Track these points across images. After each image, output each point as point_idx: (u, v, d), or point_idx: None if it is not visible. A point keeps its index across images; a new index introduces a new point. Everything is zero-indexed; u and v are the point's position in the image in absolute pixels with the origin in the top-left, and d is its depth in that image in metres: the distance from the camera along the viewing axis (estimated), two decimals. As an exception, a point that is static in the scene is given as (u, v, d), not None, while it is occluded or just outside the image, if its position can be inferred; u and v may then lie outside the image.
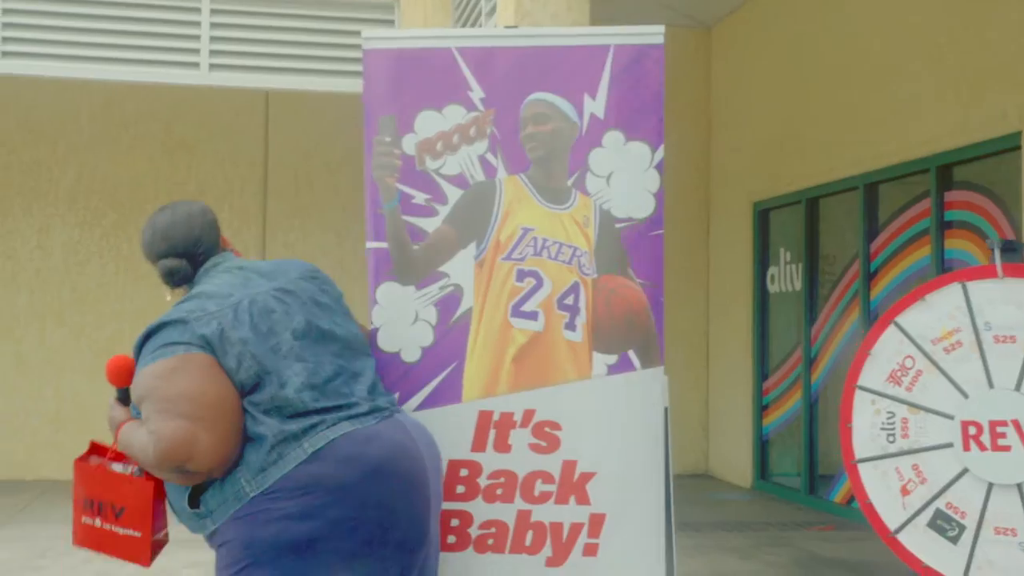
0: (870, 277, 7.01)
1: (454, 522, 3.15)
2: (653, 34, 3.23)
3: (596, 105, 3.19)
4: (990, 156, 6.03)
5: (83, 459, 2.65)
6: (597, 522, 3.07)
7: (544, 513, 3.05)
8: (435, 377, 3.10)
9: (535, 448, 3.06)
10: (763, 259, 8.49)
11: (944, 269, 6.23)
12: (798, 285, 7.92)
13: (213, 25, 7.05)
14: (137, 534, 2.59)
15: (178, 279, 2.76)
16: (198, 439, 2.34)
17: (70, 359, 8.85)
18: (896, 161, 6.71)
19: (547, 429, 3.07)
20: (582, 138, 3.20)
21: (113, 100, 8.90)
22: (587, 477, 3.07)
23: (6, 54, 6.84)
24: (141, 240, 2.81)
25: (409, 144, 3.18)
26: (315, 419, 2.46)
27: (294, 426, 2.44)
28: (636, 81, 3.20)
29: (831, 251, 7.67)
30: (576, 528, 3.07)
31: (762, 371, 8.42)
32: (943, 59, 6.27)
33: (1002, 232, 5.89)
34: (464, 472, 3.14)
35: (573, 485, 3.06)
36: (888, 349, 2.87)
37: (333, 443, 2.43)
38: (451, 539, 3.14)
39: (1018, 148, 5.69)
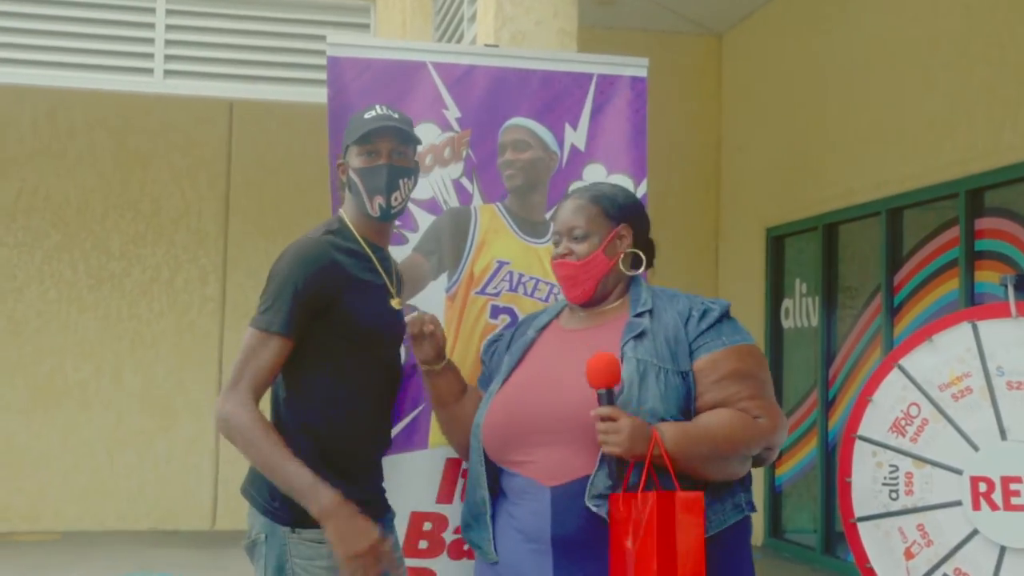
0: (893, 312, 7.10)
1: None
2: (638, 66, 3.38)
3: (577, 136, 3.33)
4: (1024, 180, 6.13)
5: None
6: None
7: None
8: (399, 421, 3.17)
9: (507, 500, 3.12)
10: (777, 291, 8.58)
11: (975, 304, 6.32)
12: (815, 320, 8.00)
13: (169, 28, 7.13)
14: None
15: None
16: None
17: (4, 397, 8.90)
18: (922, 184, 6.81)
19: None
20: (562, 170, 3.33)
21: (58, 108, 9.01)
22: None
23: (-61, 58, 6.94)
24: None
25: None
26: None
27: None
28: (619, 113, 3.35)
29: (851, 283, 7.76)
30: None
31: (775, 415, 8.48)
32: (974, 73, 6.38)
33: (1038, 263, 5.99)
34: (428, 526, 3.22)
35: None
36: (891, 395, 2.94)
37: None
38: None
39: (1054, 172, 5.79)
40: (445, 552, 3.26)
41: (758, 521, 8.58)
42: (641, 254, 2.84)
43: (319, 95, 7.14)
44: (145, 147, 9.19)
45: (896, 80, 7.07)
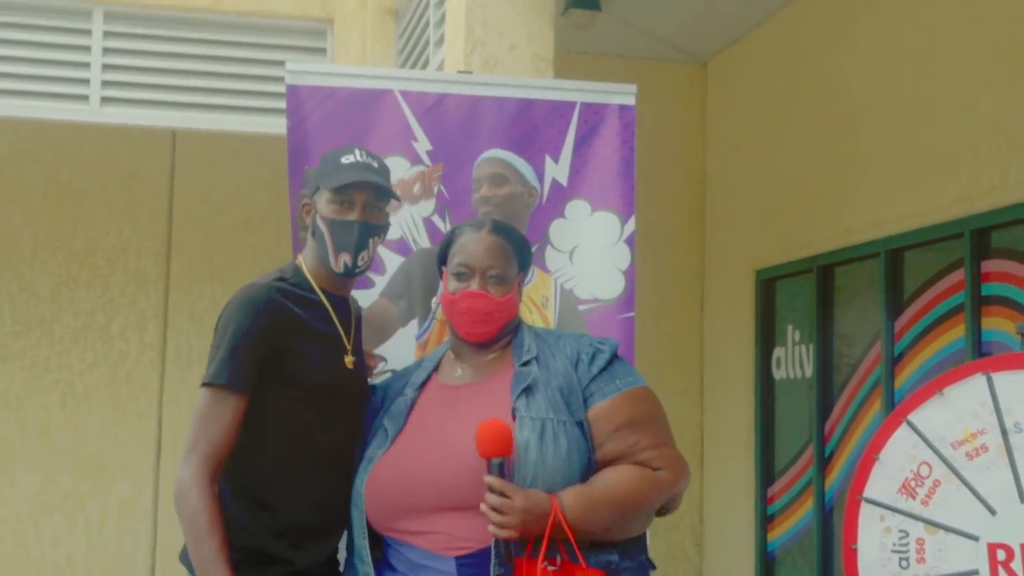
0: (895, 361, 7.13)
1: None
2: (625, 93, 3.42)
3: (559, 170, 3.36)
4: (1034, 219, 6.18)
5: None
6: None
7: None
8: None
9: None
10: (767, 338, 8.61)
11: (982, 354, 6.35)
12: (809, 370, 8.03)
13: (106, 51, 7.14)
14: None
15: None
16: None
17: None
18: (924, 224, 6.86)
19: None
20: (542, 206, 3.36)
21: (-17, 138, 8.95)
22: None
23: None
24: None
25: None
26: None
27: None
28: (605, 145, 3.38)
29: (849, 329, 7.80)
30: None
31: (767, 474, 8.49)
32: (978, 105, 6.45)
33: (1050, 310, 6.03)
34: None
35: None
36: (900, 454, 2.95)
37: None
38: None
39: (1066, 211, 5.85)
40: None
41: (748, 590, 8.57)
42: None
43: (271, 125, 7.23)
44: (79, 181, 9.13)
45: (895, 111, 7.14)
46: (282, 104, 7.25)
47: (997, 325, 6.37)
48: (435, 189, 3.33)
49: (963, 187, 6.54)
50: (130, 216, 9.17)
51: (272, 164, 9.12)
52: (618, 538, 2.65)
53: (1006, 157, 6.25)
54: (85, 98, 7.10)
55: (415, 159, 3.34)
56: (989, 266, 6.48)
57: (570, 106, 3.37)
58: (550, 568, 2.50)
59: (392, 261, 3.31)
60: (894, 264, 7.23)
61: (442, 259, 2.89)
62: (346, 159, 2.88)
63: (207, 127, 7.44)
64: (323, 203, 2.87)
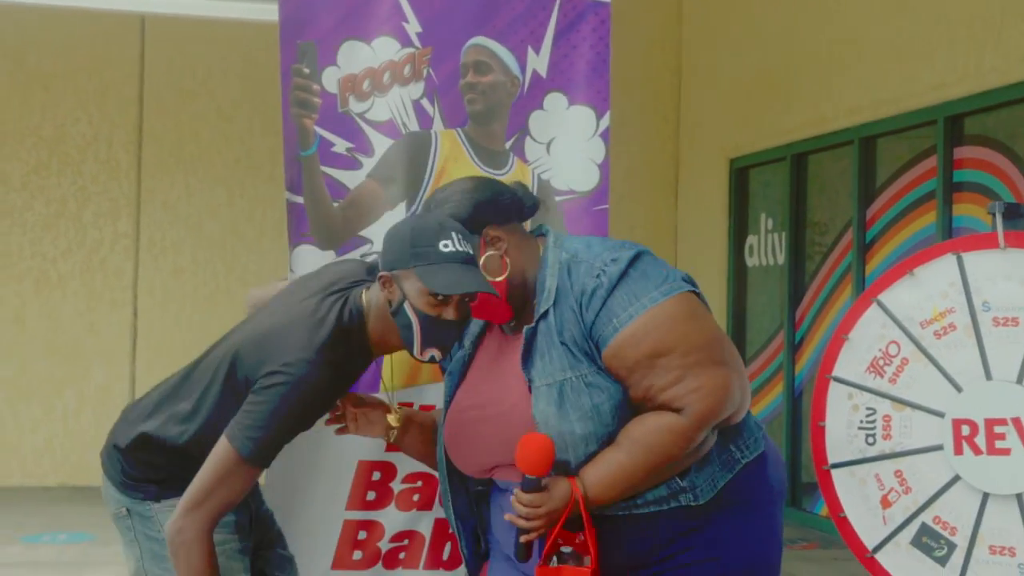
0: (865, 248, 7.25)
1: (361, 534, 3.31)
2: None
3: (539, 61, 3.39)
4: (1008, 105, 6.24)
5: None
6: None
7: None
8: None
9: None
10: (741, 226, 8.70)
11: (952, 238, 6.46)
12: (781, 257, 8.14)
13: (72, -72, 7.01)
14: None
15: None
16: (733, 384, 2.57)
17: None
18: (897, 111, 6.92)
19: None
20: (523, 97, 3.39)
21: (-53, 23, 8.84)
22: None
23: None
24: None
25: (330, 79, 3.27)
26: None
27: None
28: (582, 40, 3.41)
29: (821, 217, 7.89)
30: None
31: (738, 359, 8.64)
32: (954, -9, 6.48)
33: (1020, 195, 6.11)
34: (376, 475, 3.30)
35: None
36: (869, 333, 2.99)
37: None
38: (357, 555, 3.30)
39: (1039, 98, 5.92)
40: (393, 503, 3.34)
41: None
42: (504, 257, 2.69)
43: (243, 10, 7.12)
44: (47, 67, 9.04)
45: (871, -2, 7.16)
46: (256, -12, 7.20)
47: (968, 211, 6.48)
48: (424, 72, 3.34)
49: (937, 74, 6.59)
50: (99, 103, 9.11)
51: (244, 51, 9.08)
52: (660, 482, 2.55)
53: (981, 43, 6.29)
54: (52, -21, 7.01)
55: (405, 41, 3.33)
56: (962, 152, 6.56)
57: (551, -1, 3.40)
58: (566, 551, 2.51)
59: (380, 143, 3.31)
60: (867, 152, 7.30)
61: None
62: (444, 245, 2.58)
63: (176, 12, 7.35)
64: (413, 290, 2.61)
